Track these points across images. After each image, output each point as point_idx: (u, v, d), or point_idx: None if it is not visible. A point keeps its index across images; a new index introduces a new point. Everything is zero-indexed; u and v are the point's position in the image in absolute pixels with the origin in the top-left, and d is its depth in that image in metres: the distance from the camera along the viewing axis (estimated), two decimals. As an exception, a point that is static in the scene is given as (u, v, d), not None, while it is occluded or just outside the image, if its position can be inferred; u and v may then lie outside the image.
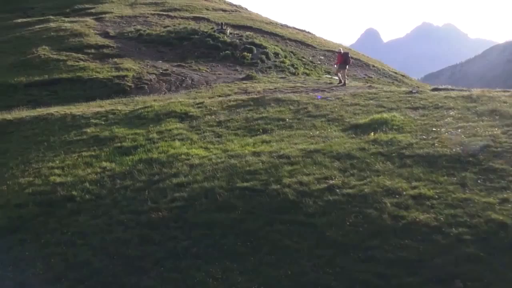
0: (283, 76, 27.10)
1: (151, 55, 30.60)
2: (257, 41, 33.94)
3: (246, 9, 61.50)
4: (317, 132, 12.99)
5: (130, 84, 23.36)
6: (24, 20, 44.65)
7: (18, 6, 53.82)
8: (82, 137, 14.84)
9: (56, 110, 18.88)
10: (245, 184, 10.02)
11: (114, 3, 51.25)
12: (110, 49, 30.60)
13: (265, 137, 13.04)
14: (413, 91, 16.83)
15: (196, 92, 21.28)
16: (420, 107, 14.58)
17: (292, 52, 36.89)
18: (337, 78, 23.63)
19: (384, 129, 12.52)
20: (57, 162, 12.93)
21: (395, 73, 43.40)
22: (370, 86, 21.42)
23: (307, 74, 31.87)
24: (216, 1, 59.16)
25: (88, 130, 15.40)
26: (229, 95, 19.77)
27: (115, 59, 28.56)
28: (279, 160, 11.01)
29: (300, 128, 13.62)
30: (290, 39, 42.84)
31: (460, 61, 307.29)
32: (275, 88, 20.32)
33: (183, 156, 11.87)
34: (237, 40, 33.07)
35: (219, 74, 26.73)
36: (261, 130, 13.71)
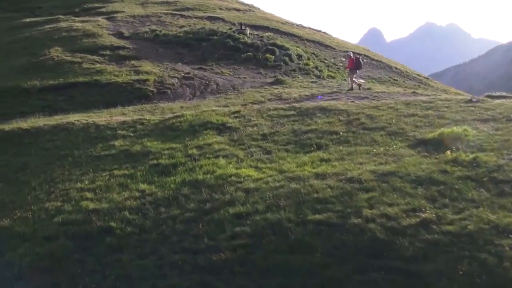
0: (312, 80, 25.47)
1: (169, 57, 29.04)
2: (278, 42, 32.36)
3: (259, 8, 59.89)
4: (381, 149, 11.40)
5: (152, 89, 21.80)
6: (33, 19, 43.20)
7: (25, 5, 52.36)
8: (110, 152, 13.28)
9: (76, 118, 17.33)
10: (318, 216, 8.44)
11: (125, 2, 49.71)
12: (126, 50, 29.06)
13: (321, 154, 11.46)
14: (473, 99, 15.23)
15: (225, 99, 19.71)
16: (490, 119, 12.99)
17: (313, 53, 35.30)
18: (361, 81, 22.09)
19: (459, 146, 10.92)
20: (86, 182, 11.38)
21: (418, 75, 41.75)
22: (415, 92, 19.81)
23: (332, 77, 30.31)
24: (229, 0, 57.64)
25: (116, 143, 13.85)
26: (262, 102, 18.21)
27: (133, 61, 27.02)
28: (350, 184, 9.43)
29: (359, 143, 12.03)
30: (308, 40, 41.29)
31: (464, 61, 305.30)
32: (311, 95, 18.74)
33: (233, 178, 10.30)
34: (258, 41, 31.50)
35: (243, 77, 25.16)
36: (314, 145, 12.12)
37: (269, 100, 18.49)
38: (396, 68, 40.61)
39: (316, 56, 34.72)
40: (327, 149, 11.80)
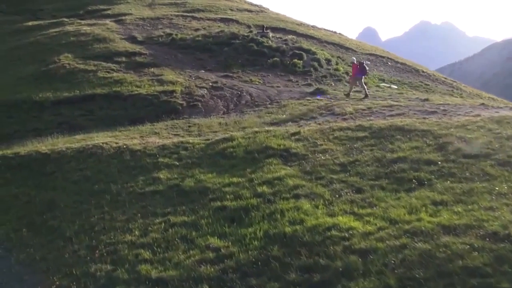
0: (357, 88, 23.13)
1: (190, 63, 26.71)
2: (304, 46, 30.06)
3: (268, 9, 57.54)
4: (504, 186, 9.11)
5: (181, 102, 19.46)
6: (36, 22, 40.79)
7: (26, 7, 49.92)
8: (157, 187, 10.94)
9: (102, 139, 14.98)
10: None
11: (130, 4, 47.39)
12: (143, 56, 26.71)
13: (429, 193, 9.16)
14: None
15: (267, 113, 17.41)
16: None
17: (339, 57, 33.00)
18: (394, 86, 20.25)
19: None
20: (137, 233, 9.06)
21: (445, 78, 39.52)
22: (484, 104, 17.54)
23: (364, 83, 27.99)
24: (238, 0, 55.33)
25: (161, 175, 11.50)
26: (314, 118, 15.92)
27: (152, 69, 24.68)
28: (499, 245, 7.13)
29: (469, 177, 9.74)
30: (327, 42, 39.06)
31: (459, 59, 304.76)
32: (368, 108, 16.44)
33: (333, 232, 7.99)
34: (284, 45, 29.20)
35: (277, 86, 22.87)
36: (413, 180, 9.83)
37: (321, 115, 16.19)
38: (423, 71, 38.38)
39: (343, 60, 32.43)
40: (433, 186, 9.50)
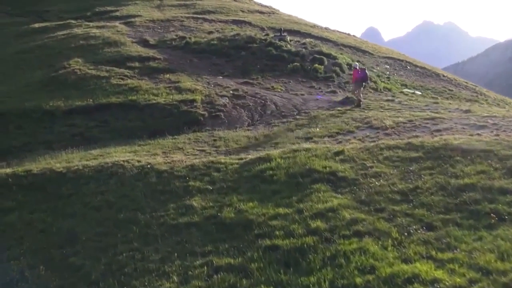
0: (385, 96, 21.87)
1: (206, 69, 25.43)
2: (324, 50, 28.72)
3: (278, 10, 56.27)
4: None
5: (202, 112, 18.17)
6: (42, 25, 39.56)
7: (31, 8, 48.71)
8: (191, 218, 9.64)
9: (122, 156, 13.70)
10: None
11: (138, 5, 46.17)
12: (157, 62, 25.43)
13: (515, 232, 7.82)
14: None
15: (297, 126, 16.11)
16: None
17: (358, 61, 31.61)
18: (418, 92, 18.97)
19: None
20: (175, 278, 7.79)
21: (466, 83, 38.14)
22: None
23: (388, 89, 26.72)
24: (247, 1, 54.08)
25: (194, 202, 10.21)
26: (352, 132, 14.61)
27: (167, 75, 23.41)
28: None
29: (556, 211, 8.40)
30: (343, 45, 37.78)
31: (462, 59, 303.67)
32: (409, 121, 15.12)
33: (416, 286, 6.65)
34: (303, 49, 27.88)
35: (301, 94, 21.57)
36: (491, 214, 8.50)
37: (358, 128, 14.88)
38: (443, 76, 37.03)
39: (363, 65, 31.06)
40: (516, 222, 8.16)
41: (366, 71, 20.37)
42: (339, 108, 18.01)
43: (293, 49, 27.56)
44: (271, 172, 11.04)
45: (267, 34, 30.89)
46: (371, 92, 25.08)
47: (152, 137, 16.64)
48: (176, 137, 16.25)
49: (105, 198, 11.20)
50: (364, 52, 37.99)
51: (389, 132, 14.02)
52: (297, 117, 17.50)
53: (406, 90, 28.23)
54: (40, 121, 18.95)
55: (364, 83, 19.77)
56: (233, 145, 14.39)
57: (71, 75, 23.15)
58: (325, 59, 27.10)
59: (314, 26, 45.89)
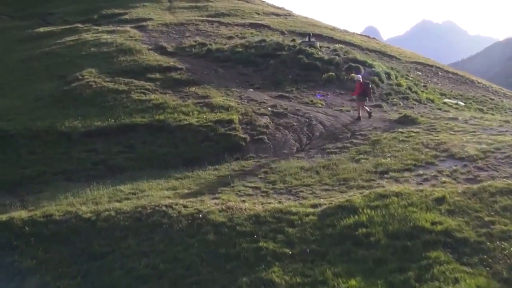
0: (435, 110, 19.53)
1: (234, 80, 23.08)
2: (359, 57, 26.37)
3: (292, 11, 53.89)
4: None
5: (243, 135, 15.78)
6: (47, 29, 37.13)
7: (34, 11, 46.22)
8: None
9: (161, 198, 11.33)
10: None
11: (147, 7, 43.73)
12: (179, 72, 23.06)
13: None
14: None
15: (360, 154, 13.74)
16: None
17: (392, 68, 29.31)
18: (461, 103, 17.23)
19: None
20: None
21: (500, 89, 35.84)
22: None
23: (431, 100, 24.41)
24: (259, 3, 51.73)
25: (274, 276, 7.87)
26: (433, 164, 12.29)
27: (193, 88, 21.06)
28: None
29: None
30: (368, 49, 35.42)
31: (461, 58, 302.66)
32: (495, 149, 12.78)
33: None
34: (336, 57, 25.51)
35: (346, 110, 19.24)
36: None
37: (438, 159, 12.55)
38: (478, 82, 34.71)
39: (398, 72, 28.76)
40: None
41: (370, 84, 18.79)
42: (400, 130, 15.64)
43: (326, 57, 25.22)
44: (364, 230, 8.67)
45: (294, 40, 28.49)
46: (415, 104, 22.78)
47: (188, 166, 14.29)
48: (217, 167, 13.89)
49: (152, 263, 8.84)
50: (391, 57, 35.63)
51: (482, 166, 11.67)
52: (354, 140, 15.13)
53: (448, 100, 25.94)
54: (55, 145, 16.59)
55: (367, 98, 18.37)
56: (292, 181, 12.02)
57: (86, 89, 20.77)
58: (361, 67, 24.77)
59: (333, 28, 43.54)
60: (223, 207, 10.34)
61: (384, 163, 12.60)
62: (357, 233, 8.65)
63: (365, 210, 9.27)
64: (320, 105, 19.87)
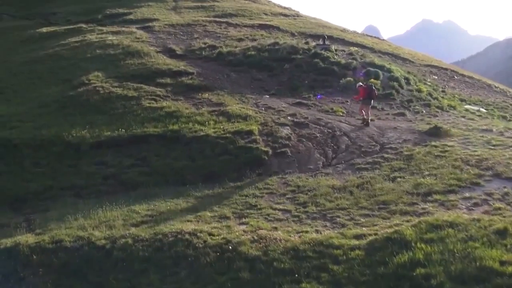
0: (466, 119, 18.46)
1: (248, 86, 22.01)
2: (376, 62, 25.29)
3: (299, 11, 52.79)
4: None
5: (264, 148, 14.66)
6: (50, 29, 35.97)
7: (37, 10, 45.11)
8: None
9: (184, 224, 10.24)
10: None
11: (152, 7, 42.61)
12: (190, 77, 21.95)
13: None
14: None
15: (395, 172, 12.66)
16: None
17: (409, 72, 28.22)
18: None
19: None
20: None
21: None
22: None
23: (453, 107, 23.32)
24: (266, 3, 50.62)
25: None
26: (478, 185, 11.25)
27: (206, 94, 19.97)
28: None
29: None
30: (381, 52, 34.33)
31: (461, 58, 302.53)
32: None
33: None
34: (353, 61, 24.42)
35: (370, 119, 18.09)
36: None
37: (483, 178, 11.52)
38: (495, 86, 33.64)
39: (414, 76, 27.67)
40: None
41: (374, 87, 18.21)
42: (433, 143, 14.54)
43: (343, 61, 24.13)
44: (422, 270, 7.59)
45: (307, 42, 27.38)
46: (438, 111, 21.71)
47: (207, 182, 13.22)
48: (239, 184, 12.81)
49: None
50: (404, 59, 34.58)
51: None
52: (384, 155, 14.04)
53: (469, 107, 24.86)
54: (61, 156, 15.49)
55: (371, 100, 17.88)
56: (325, 203, 10.94)
57: (93, 95, 19.66)
58: (380, 72, 23.69)
59: (344, 30, 42.47)
60: (255, 236, 9.26)
61: (424, 183, 11.52)
62: (414, 274, 7.56)
63: (419, 245, 8.19)
64: (341, 114, 18.81)
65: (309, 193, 11.79)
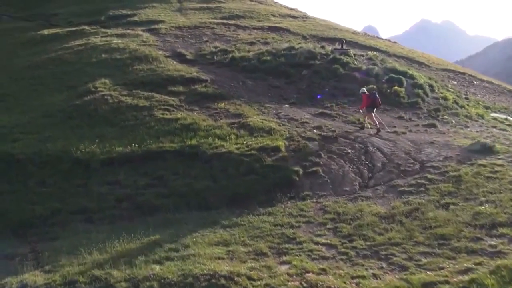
0: (498, 130, 17.15)
1: (265, 94, 20.67)
2: (398, 67, 23.96)
3: (306, 13, 51.49)
4: None
5: (294, 167, 13.30)
6: (52, 31, 34.53)
7: (37, 11, 43.66)
8: None
9: (217, 263, 8.90)
10: None
11: (157, 8, 41.23)
12: (203, 84, 20.60)
13: None
14: None
15: (441, 195, 11.33)
16: None
17: (430, 78, 26.90)
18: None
19: None
20: None
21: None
22: None
23: (481, 116, 22.00)
24: (272, 4, 49.31)
25: None
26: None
27: (222, 104, 18.64)
28: None
29: None
30: (396, 55, 33.01)
31: (460, 58, 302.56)
32: None
33: None
34: (375, 67, 23.07)
35: (401, 132, 16.84)
36: None
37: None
38: (516, 91, 32.36)
39: (435, 82, 26.36)
40: None
41: (377, 94, 17.36)
42: (480, 162, 13.22)
43: (364, 67, 22.79)
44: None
45: (323, 46, 26.05)
46: (467, 121, 20.41)
47: (233, 207, 11.90)
48: (270, 210, 11.47)
49: None
50: (419, 63, 33.29)
51: None
52: (428, 176, 12.71)
53: (495, 115, 23.58)
54: (69, 174, 14.13)
55: (374, 108, 17.10)
56: (374, 237, 9.62)
57: (102, 104, 18.31)
58: (403, 79, 22.38)
59: (355, 32, 41.18)
60: (303, 283, 7.92)
61: (483, 212, 10.20)
62: None
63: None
64: (369, 126, 17.44)
65: (352, 222, 10.47)
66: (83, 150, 14.82)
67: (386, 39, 44.25)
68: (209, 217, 11.47)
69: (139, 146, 14.64)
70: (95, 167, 14.16)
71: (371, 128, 17.03)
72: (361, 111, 17.64)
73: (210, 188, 12.76)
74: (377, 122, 16.83)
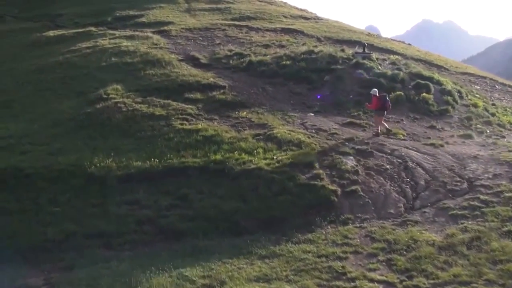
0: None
1: (287, 101, 19.51)
2: (424, 73, 22.79)
3: (317, 14, 50.25)
4: None
5: (333, 187, 12.12)
6: (58, 32, 33.35)
7: (42, 11, 42.54)
8: None
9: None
10: None
11: (164, 9, 40.05)
12: (221, 91, 19.43)
13: None
14: None
15: (503, 222, 10.15)
16: None
17: (455, 82, 25.69)
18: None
19: None
20: None
21: None
22: None
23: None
24: (282, 5, 48.16)
25: None
26: None
27: (244, 113, 17.50)
28: None
29: None
30: (413, 58, 31.71)
31: (462, 58, 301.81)
32: None
33: None
34: (400, 72, 21.88)
35: (439, 145, 15.65)
36: None
37: None
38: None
39: (461, 87, 25.17)
40: None
41: (387, 98, 16.59)
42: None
43: (389, 72, 21.60)
44: None
45: (343, 50, 24.88)
46: (502, 131, 19.23)
47: (267, 231, 10.77)
48: (310, 238, 10.30)
49: None
50: (439, 67, 31.94)
51: None
52: (480, 196, 11.54)
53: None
54: (83, 191, 12.98)
55: (385, 111, 16.51)
56: (436, 273, 8.47)
57: (115, 113, 17.16)
58: (430, 85, 21.20)
59: (369, 34, 39.99)
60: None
61: None
62: None
63: None
64: (402, 136, 16.28)
65: (406, 253, 9.30)
66: (98, 165, 13.66)
67: (399, 41, 42.89)
68: (242, 244, 10.31)
69: (159, 161, 13.47)
70: (112, 184, 13.00)
71: (382, 134, 16.39)
72: (370, 110, 17.15)
73: (241, 210, 11.59)
74: (383, 126, 16.41)
